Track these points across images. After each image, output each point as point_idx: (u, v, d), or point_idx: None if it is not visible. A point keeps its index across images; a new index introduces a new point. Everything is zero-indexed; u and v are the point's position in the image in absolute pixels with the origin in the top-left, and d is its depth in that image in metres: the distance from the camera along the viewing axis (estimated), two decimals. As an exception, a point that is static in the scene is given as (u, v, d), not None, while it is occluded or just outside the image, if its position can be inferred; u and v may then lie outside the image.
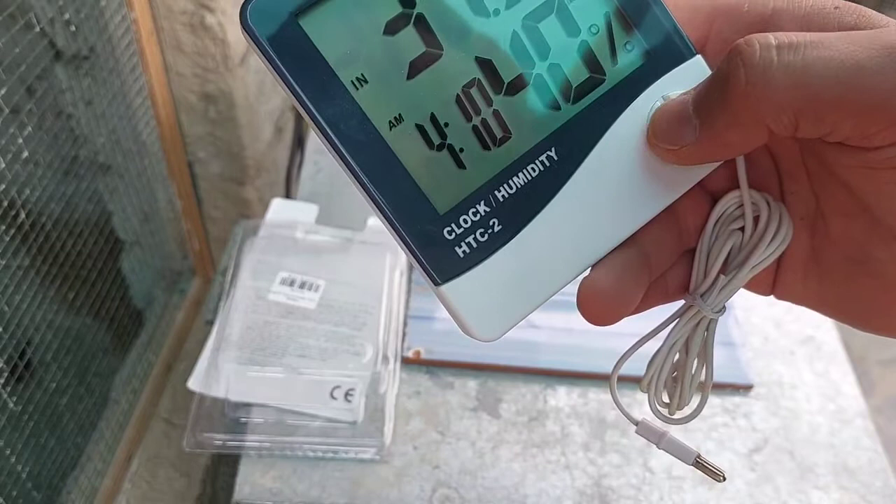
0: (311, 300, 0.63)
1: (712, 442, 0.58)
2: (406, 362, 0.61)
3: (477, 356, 0.61)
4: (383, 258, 0.66)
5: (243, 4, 0.20)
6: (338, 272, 0.65)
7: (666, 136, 0.22)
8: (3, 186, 0.56)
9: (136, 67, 0.73)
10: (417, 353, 0.61)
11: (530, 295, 0.23)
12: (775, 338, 0.66)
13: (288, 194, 0.91)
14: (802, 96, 0.19)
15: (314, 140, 0.83)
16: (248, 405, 0.56)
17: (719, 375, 0.61)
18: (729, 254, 0.24)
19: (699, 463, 0.26)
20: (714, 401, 0.60)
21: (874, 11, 0.20)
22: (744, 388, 0.61)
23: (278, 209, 0.72)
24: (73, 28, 0.64)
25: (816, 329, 0.67)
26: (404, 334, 0.62)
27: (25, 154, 0.59)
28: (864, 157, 0.20)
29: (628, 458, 0.56)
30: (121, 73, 0.71)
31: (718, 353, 0.65)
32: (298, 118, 0.89)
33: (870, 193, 0.21)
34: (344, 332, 0.61)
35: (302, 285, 0.63)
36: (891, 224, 0.21)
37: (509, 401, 0.59)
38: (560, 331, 0.62)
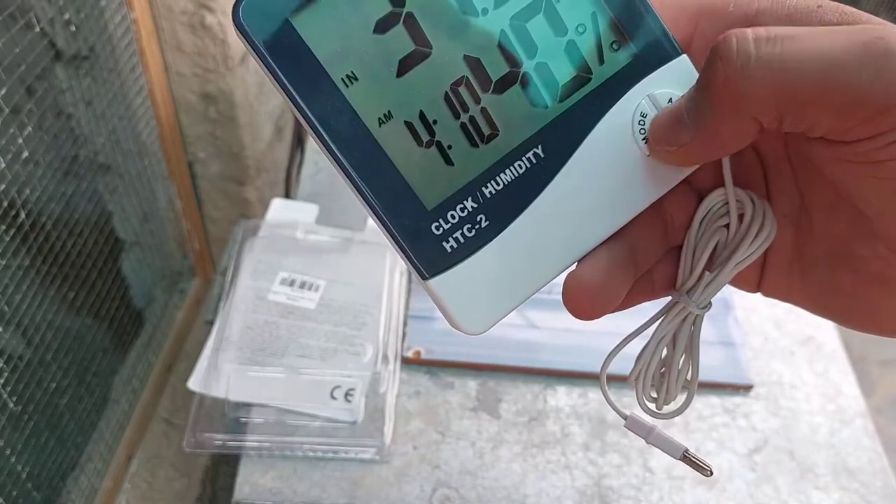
0: (311, 300, 0.63)
1: (712, 442, 0.58)
2: (406, 362, 0.61)
3: (477, 356, 0.61)
4: (383, 258, 0.66)
5: (236, 2, 0.21)
6: (338, 272, 0.65)
7: (664, 138, 0.22)
8: (3, 186, 0.56)
9: (136, 67, 0.73)
10: (417, 353, 0.61)
11: (517, 289, 0.23)
12: (775, 338, 0.66)
13: (288, 194, 0.91)
14: (781, 89, 0.19)
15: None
16: (248, 405, 0.56)
17: (719, 375, 0.61)
18: (714, 250, 0.25)
19: (686, 458, 0.27)
20: (714, 401, 0.60)
21: (856, 10, 0.21)
22: (744, 388, 0.61)
23: (278, 209, 0.72)
24: (73, 28, 0.64)
25: (816, 329, 0.67)
26: (404, 334, 0.62)
27: (25, 154, 0.59)
28: (844, 151, 0.20)
29: (628, 458, 0.56)
30: (121, 73, 0.71)
31: (718, 353, 0.65)
32: (298, 118, 0.88)
33: (851, 188, 0.21)
34: (344, 332, 0.61)
35: (302, 285, 0.63)
36: (872, 219, 0.21)
37: (509, 401, 0.59)
38: (560, 331, 0.62)
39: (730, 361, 0.62)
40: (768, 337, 0.66)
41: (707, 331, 0.64)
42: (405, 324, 0.63)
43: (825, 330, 0.67)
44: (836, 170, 0.21)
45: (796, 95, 0.19)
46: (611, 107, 0.23)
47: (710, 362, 0.62)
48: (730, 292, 0.68)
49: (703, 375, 0.61)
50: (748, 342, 0.65)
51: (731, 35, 0.20)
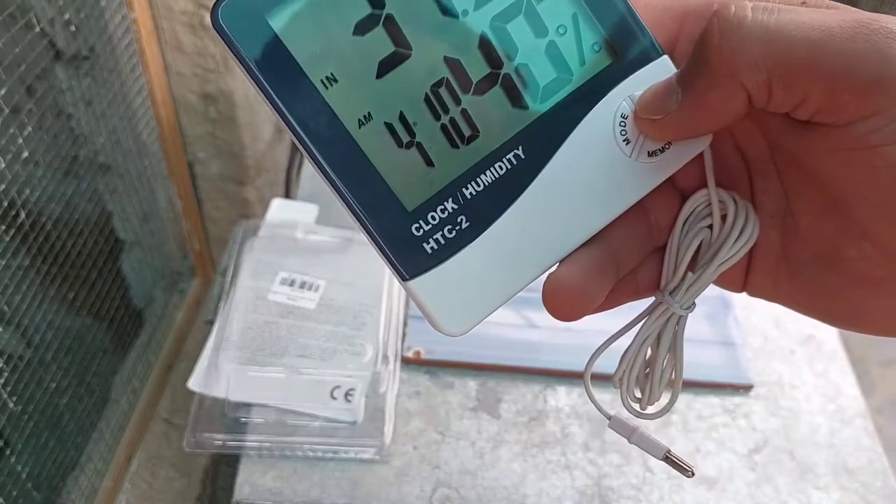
0: (311, 300, 0.63)
1: (712, 442, 0.58)
2: (406, 362, 0.61)
3: (477, 356, 0.61)
4: (383, 258, 0.66)
5: (215, 4, 0.21)
6: (338, 272, 0.65)
7: (650, 106, 0.23)
8: (3, 186, 0.56)
9: (136, 67, 0.73)
10: (417, 353, 0.61)
11: (497, 291, 0.23)
12: (775, 338, 0.66)
13: (288, 194, 0.91)
14: (774, 52, 0.19)
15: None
16: (248, 405, 0.56)
17: (719, 375, 0.61)
18: (697, 251, 0.25)
19: (669, 458, 0.27)
20: (714, 401, 0.60)
21: (842, 4, 0.21)
22: (744, 388, 0.61)
23: (278, 209, 0.72)
24: (73, 28, 0.64)
25: (816, 329, 0.67)
26: (404, 334, 0.62)
27: (25, 154, 0.59)
28: (838, 136, 0.20)
29: (628, 458, 0.56)
30: (121, 73, 0.71)
31: (718, 353, 0.65)
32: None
33: (844, 182, 0.21)
34: (344, 332, 0.61)
35: (302, 285, 0.63)
36: (862, 216, 0.21)
37: (509, 401, 0.59)
38: (560, 331, 0.62)
39: (730, 361, 0.62)
40: (768, 336, 0.66)
41: (707, 331, 0.64)
42: (405, 324, 0.63)
43: (825, 329, 0.67)
44: (830, 164, 0.21)
45: (788, 59, 0.19)
46: (591, 108, 0.23)
47: (710, 362, 0.62)
48: (730, 292, 0.68)
49: (703, 375, 0.61)
50: (748, 342, 0.65)
51: (729, 2, 0.20)
